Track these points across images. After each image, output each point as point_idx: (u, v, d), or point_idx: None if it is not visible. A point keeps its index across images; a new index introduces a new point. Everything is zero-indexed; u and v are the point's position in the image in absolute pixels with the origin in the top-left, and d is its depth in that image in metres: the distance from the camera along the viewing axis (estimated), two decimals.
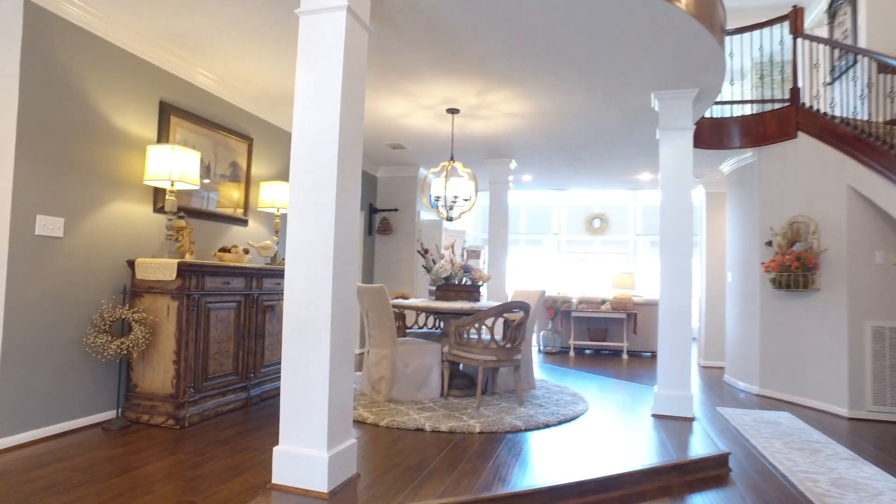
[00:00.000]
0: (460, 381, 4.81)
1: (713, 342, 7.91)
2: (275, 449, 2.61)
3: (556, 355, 8.52)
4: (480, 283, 4.98)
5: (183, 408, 3.59)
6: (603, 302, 9.04)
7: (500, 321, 4.42)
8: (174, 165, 3.71)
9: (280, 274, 4.60)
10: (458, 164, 5.11)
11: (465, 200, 5.18)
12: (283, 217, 5.21)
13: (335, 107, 2.65)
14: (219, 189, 4.76)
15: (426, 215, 8.24)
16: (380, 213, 7.99)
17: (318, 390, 2.56)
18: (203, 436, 3.42)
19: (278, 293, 4.60)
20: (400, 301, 4.83)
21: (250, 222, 5.15)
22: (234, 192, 4.95)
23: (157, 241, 4.04)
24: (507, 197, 7.28)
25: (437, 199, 5.09)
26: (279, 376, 4.12)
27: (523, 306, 4.35)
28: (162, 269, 3.62)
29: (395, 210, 7.93)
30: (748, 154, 6.08)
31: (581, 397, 4.92)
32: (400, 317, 5.22)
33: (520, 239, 14.07)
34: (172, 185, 3.80)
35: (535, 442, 3.56)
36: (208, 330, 3.83)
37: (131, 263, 3.73)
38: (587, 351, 9.15)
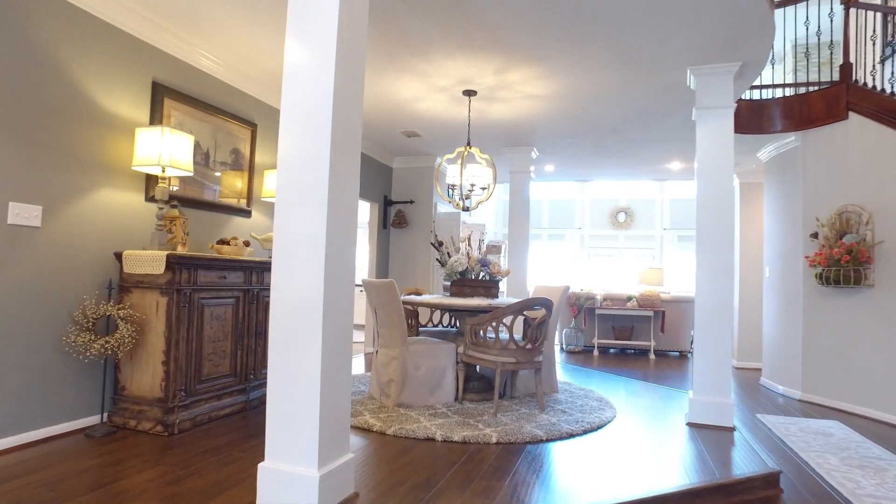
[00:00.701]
0: (476, 384, 4.46)
1: (748, 342, 7.44)
2: (259, 466, 2.30)
3: (580, 354, 8.12)
4: (499, 278, 4.61)
5: (172, 413, 3.29)
6: (629, 299, 8.61)
7: (520, 319, 4.05)
8: (165, 149, 3.41)
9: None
10: (475, 150, 4.75)
11: (483, 189, 4.81)
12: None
13: (328, 77, 2.31)
14: (221, 178, 4.47)
15: (443, 207, 7.89)
16: (395, 206, 7.67)
17: (308, 402, 2.23)
18: (192, 444, 3.12)
19: None
20: (411, 297, 4.49)
21: (254, 213, 4.85)
22: (236, 182, 4.66)
23: (150, 233, 3.75)
24: (528, 188, 6.89)
25: (453, 188, 4.73)
26: None
27: (545, 303, 3.98)
28: (150, 261, 3.33)
29: (411, 202, 7.59)
30: (791, 139, 5.59)
31: (608, 402, 4.53)
32: (413, 314, 4.88)
33: (541, 234, 13.66)
34: (164, 170, 3.51)
35: (558, 454, 3.19)
36: (202, 328, 3.54)
37: (119, 256, 3.45)
38: (611, 350, 8.74)
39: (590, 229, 13.60)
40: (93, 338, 3.15)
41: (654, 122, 5.66)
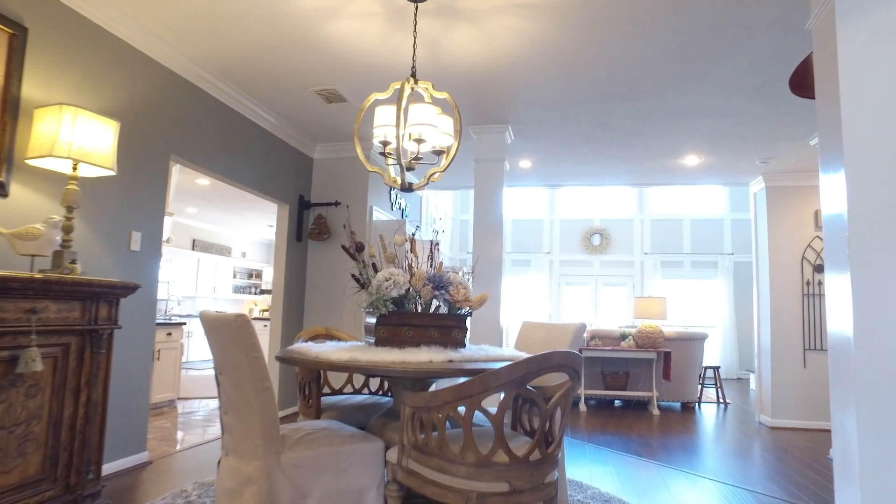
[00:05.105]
0: None
1: (785, 390, 5.69)
2: None
3: None
4: (466, 310, 2.51)
5: None
6: (623, 337, 6.70)
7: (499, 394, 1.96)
8: None
9: (69, 293, 2.06)
10: (424, 86, 2.70)
11: (439, 153, 2.73)
12: (86, 181, 2.77)
13: None
14: None
15: (381, 214, 5.77)
16: (314, 209, 5.51)
17: None
18: None
19: (49, 329, 2.06)
20: (303, 349, 2.32)
21: (13, 188, 2.63)
22: None
23: None
24: (501, 185, 4.90)
25: (385, 146, 2.64)
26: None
27: (570, 363, 1.89)
28: None
29: (336, 204, 5.44)
30: None
31: None
32: (312, 377, 2.70)
33: (504, 259, 11.67)
34: None
35: None
36: None
37: None
38: (591, 402, 6.87)
39: (560, 254, 11.74)
40: None
41: (695, 77, 3.79)
